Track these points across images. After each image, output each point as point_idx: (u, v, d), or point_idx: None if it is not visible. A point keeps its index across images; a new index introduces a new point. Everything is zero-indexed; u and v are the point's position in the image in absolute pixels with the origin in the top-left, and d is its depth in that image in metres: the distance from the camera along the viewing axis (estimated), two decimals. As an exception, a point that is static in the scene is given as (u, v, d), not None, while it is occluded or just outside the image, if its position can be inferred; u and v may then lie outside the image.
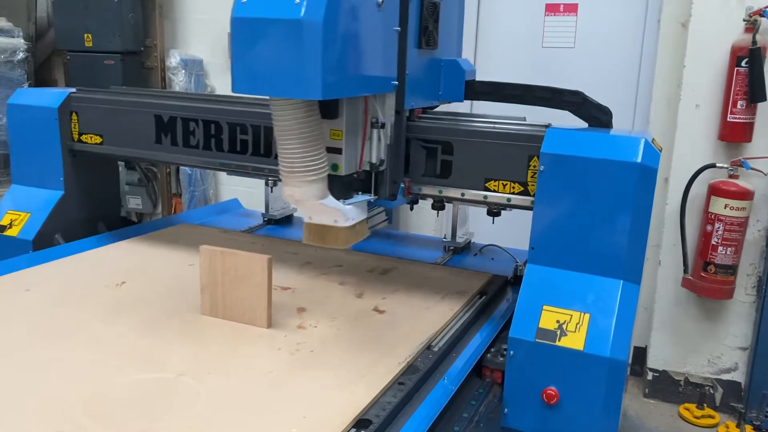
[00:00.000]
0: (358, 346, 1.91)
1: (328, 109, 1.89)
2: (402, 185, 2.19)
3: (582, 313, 1.92)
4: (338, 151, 1.96)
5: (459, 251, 2.94)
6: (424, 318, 2.13)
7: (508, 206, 2.17)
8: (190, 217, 3.35)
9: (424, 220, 4.55)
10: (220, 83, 5.04)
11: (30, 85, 4.72)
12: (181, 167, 5.03)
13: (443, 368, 1.87)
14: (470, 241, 3.05)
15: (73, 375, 1.68)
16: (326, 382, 1.70)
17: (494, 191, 2.16)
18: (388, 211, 3.46)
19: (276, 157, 2.12)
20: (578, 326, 1.90)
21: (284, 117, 1.76)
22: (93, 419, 1.48)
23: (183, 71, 4.90)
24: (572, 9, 4.34)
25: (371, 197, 2.09)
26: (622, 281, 1.96)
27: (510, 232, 3.31)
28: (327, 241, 2.06)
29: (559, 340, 1.89)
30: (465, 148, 2.17)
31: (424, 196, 2.31)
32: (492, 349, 2.07)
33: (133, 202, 5.24)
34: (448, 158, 2.20)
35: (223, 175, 5.15)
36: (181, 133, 2.60)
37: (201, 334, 1.96)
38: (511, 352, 1.94)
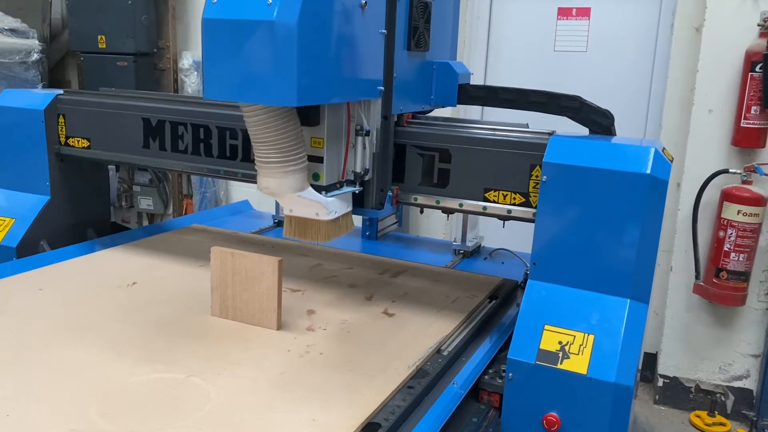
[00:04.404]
0: (367, 349, 1.91)
1: (308, 116, 1.79)
2: (390, 193, 2.10)
3: (586, 334, 1.81)
4: (319, 159, 1.85)
5: (469, 255, 2.94)
6: (433, 322, 2.12)
7: (509, 218, 2.06)
8: (201, 219, 3.37)
9: (434, 224, 4.55)
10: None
11: (44, 86, 4.76)
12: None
13: (453, 372, 1.87)
14: (480, 245, 3.05)
15: (84, 374, 1.69)
16: (335, 384, 1.70)
17: (494, 202, 2.05)
18: (398, 215, 3.46)
19: None
20: (582, 348, 1.79)
21: (258, 121, 1.69)
22: (105, 418, 1.49)
23: (195, 73, 4.93)
24: (585, 13, 4.33)
25: (356, 188, 1.98)
26: (629, 300, 1.84)
27: (520, 236, 3.31)
28: (308, 235, 1.95)
29: (561, 363, 1.77)
30: (463, 156, 2.06)
31: (420, 206, 2.21)
32: (490, 371, 1.95)
33: (144, 203, 5.27)
34: (446, 166, 2.09)
35: (233, 177, 5.16)
36: (170, 137, 2.50)
37: (211, 335, 1.96)
38: (510, 374, 1.82)
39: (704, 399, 4.05)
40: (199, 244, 2.79)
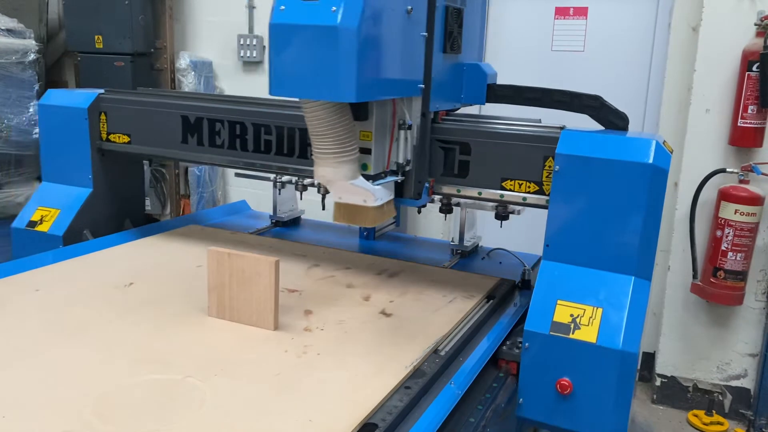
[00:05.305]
0: (364, 350, 1.91)
1: (359, 111, 1.96)
2: (426, 185, 2.26)
3: (595, 308, 1.99)
4: (368, 151, 2.03)
5: (466, 255, 2.93)
6: (431, 322, 2.12)
7: (524, 205, 2.25)
8: (199, 219, 3.36)
9: (432, 224, 4.55)
10: (229, 85, 5.06)
11: (41, 86, 4.74)
12: (190, 168, 5.06)
13: (450, 372, 1.87)
14: (478, 245, 3.04)
15: (81, 375, 1.68)
16: (332, 385, 1.69)
17: (510, 190, 2.22)
18: (396, 215, 3.45)
19: (299, 156, 2.47)
20: (591, 320, 1.97)
21: (317, 116, 1.85)
22: (101, 419, 1.48)
23: (192, 73, 4.92)
24: (582, 12, 4.33)
25: (399, 178, 2.16)
26: (633, 277, 2.02)
27: (518, 235, 3.31)
28: (356, 220, 2.13)
29: (572, 333, 1.96)
30: (482, 148, 2.25)
31: (443, 195, 2.41)
32: (508, 342, 2.15)
33: (142, 203, 5.25)
34: (466, 158, 2.27)
35: (231, 177, 5.16)
36: (207, 133, 2.69)
37: (208, 335, 1.96)
38: (527, 344, 2.01)
39: (702, 398, 4.05)
40: (197, 245, 2.79)
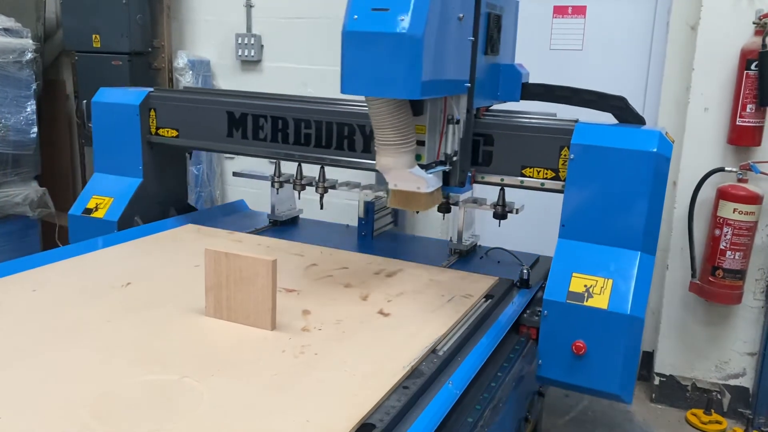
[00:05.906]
0: (362, 350, 1.91)
1: (415, 108, 2.15)
2: (469, 174, 2.47)
3: (606, 279, 2.24)
4: (422, 143, 2.25)
5: (465, 254, 2.93)
6: (429, 321, 2.12)
7: (542, 190, 2.48)
8: (197, 218, 3.35)
9: (430, 223, 4.53)
10: (227, 84, 5.04)
11: (38, 86, 4.73)
12: (188, 167, 5.05)
13: (448, 372, 1.86)
14: (476, 244, 3.04)
15: (78, 375, 1.68)
16: (330, 385, 1.69)
17: (530, 177, 2.47)
18: (395, 214, 3.46)
19: (336, 148, 2.76)
20: (603, 289, 2.22)
21: (382, 111, 2.04)
22: (98, 419, 1.48)
23: (190, 72, 4.90)
24: (580, 11, 4.32)
25: (447, 167, 2.37)
26: (640, 252, 2.27)
27: (516, 235, 3.30)
28: (410, 205, 2.38)
29: (586, 301, 2.21)
30: (504, 140, 2.50)
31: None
32: (528, 311, 2.40)
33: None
34: (489, 149, 2.52)
35: (229, 176, 5.15)
36: (251, 127, 2.95)
37: (205, 335, 1.96)
38: (545, 311, 2.27)
39: (700, 397, 4.05)
40: (194, 244, 2.78)
